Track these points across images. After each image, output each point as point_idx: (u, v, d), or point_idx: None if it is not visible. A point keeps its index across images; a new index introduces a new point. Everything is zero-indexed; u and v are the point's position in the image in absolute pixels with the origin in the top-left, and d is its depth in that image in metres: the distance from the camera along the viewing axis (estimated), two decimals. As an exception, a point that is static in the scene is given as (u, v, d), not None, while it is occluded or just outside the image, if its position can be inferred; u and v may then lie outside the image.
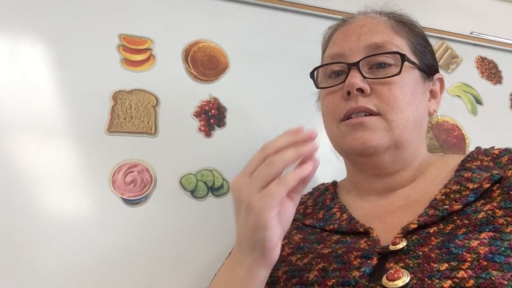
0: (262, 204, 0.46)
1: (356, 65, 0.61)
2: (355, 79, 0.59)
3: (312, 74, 0.69)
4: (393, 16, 0.67)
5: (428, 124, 0.68)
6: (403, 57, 0.60)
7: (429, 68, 0.65)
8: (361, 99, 0.60)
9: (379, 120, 0.59)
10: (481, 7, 1.24)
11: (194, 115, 0.88)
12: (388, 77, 0.59)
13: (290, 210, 0.50)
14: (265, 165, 0.47)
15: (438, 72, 0.68)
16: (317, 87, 0.69)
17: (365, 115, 0.59)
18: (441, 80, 0.68)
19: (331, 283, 0.50)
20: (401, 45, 0.63)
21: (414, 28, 0.67)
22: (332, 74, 0.66)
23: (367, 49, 0.62)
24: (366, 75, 0.60)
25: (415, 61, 0.63)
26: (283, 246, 0.61)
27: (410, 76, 0.61)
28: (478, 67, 1.18)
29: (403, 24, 0.66)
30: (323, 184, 0.76)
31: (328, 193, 0.69)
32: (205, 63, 0.92)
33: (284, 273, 0.57)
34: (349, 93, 0.60)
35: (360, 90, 0.60)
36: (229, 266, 0.55)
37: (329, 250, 0.56)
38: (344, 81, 0.61)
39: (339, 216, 0.62)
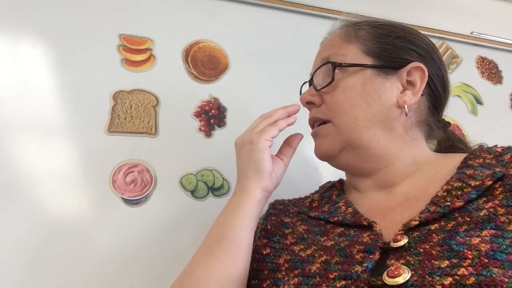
0: (261, 136, 0.64)
1: (310, 81, 0.72)
2: (304, 95, 0.69)
3: (300, 92, 0.77)
4: (350, 25, 0.69)
5: (416, 118, 0.66)
6: (333, 65, 0.64)
7: (393, 63, 0.64)
8: (314, 110, 0.68)
9: (329, 126, 0.66)
10: (481, 7, 1.25)
11: (194, 115, 0.88)
12: (325, 86, 0.65)
13: (281, 166, 0.69)
14: (263, 118, 0.68)
15: (414, 61, 0.65)
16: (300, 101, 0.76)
17: (319, 124, 0.67)
18: (418, 68, 0.64)
19: (333, 276, 0.50)
20: (349, 51, 0.65)
21: (373, 30, 0.67)
22: None
23: (320, 64, 0.68)
24: (319, 88, 0.67)
25: (367, 61, 0.64)
26: (286, 235, 0.63)
27: (355, 78, 0.64)
28: (478, 67, 1.18)
29: (359, 30, 0.67)
30: (329, 182, 0.77)
31: (335, 189, 0.71)
32: (205, 63, 0.92)
33: (286, 261, 0.58)
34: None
35: (311, 103, 0.68)
36: (229, 200, 0.65)
37: (332, 242, 0.56)
38: None
39: (344, 209, 0.63)
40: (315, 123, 0.69)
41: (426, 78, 0.64)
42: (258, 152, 0.63)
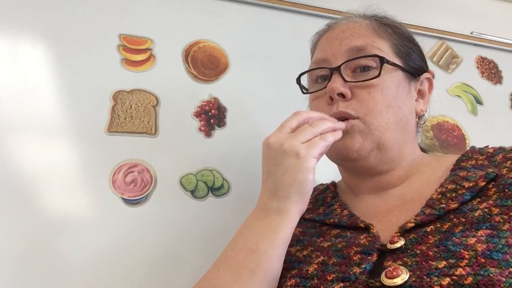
0: (309, 151, 0.54)
1: (337, 69, 0.62)
2: (336, 84, 0.61)
3: (298, 80, 0.70)
4: (376, 19, 0.67)
5: (419, 124, 0.68)
6: (382, 60, 0.61)
7: (414, 69, 0.66)
8: (342, 104, 0.61)
9: (358, 123, 0.60)
10: (481, 7, 1.25)
11: (194, 115, 0.88)
12: (367, 80, 0.61)
13: None
14: (309, 125, 0.57)
15: (426, 72, 0.68)
16: (303, 92, 0.71)
17: (344, 120, 0.61)
18: (429, 80, 0.68)
19: (330, 277, 0.50)
20: (383, 47, 0.63)
21: (397, 29, 0.67)
22: (318, 79, 0.68)
23: (348, 53, 0.63)
24: (348, 79, 0.61)
25: (398, 62, 0.63)
26: None
27: (392, 78, 0.62)
28: (478, 67, 1.18)
29: (386, 26, 0.66)
30: (322, 184, 0.76)
31: (328, 191, 0.70)
32: (205, 63, 0.92)
33: (283, 262, 0.57)
34: (332, 97, 0.62)
35: (341, 95, 0.61)
36: (258, 215, 0.57)
37: (329, 243, 0.56)
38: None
39: (340, 212, 0.63)
40: (339, 118, 0.62)
41: (432, 90, 0.66)
42: (305, 171, 0.54)
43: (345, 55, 0.63)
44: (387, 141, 0.61)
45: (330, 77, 0.63)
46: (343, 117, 0.61)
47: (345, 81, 0.61)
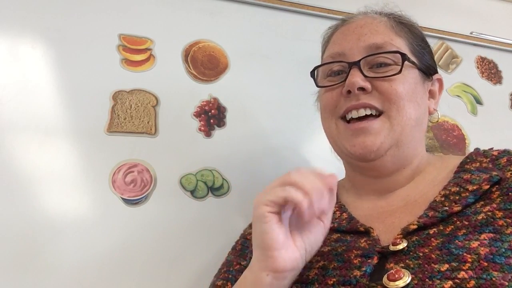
0: (261, 197, 0.49)
1: (357, 64, 0.61)
2: (356, 78, 0.60)
3: (312, 73, 0.69)
4: (393, 17, 0.67)
5: (428, 123, 0.68)
6: (404, 56, 0.60)
7: (428, 69, 0.66)
8: (363, 96, 0.60)
9: (382, 120, 0.59)
10: (481, 7, 1.24)
11: (194, 115, 0.88)
12: (389, 76, 0.60)
13: (318, 229, 0.51)
14: (282, 188, 0.48)
15: (437, 72, 0.69)
16: (317, 86, 0.69)
17: (366, 115, 0.60)
18: (439, 81, 0.69)
19: (331, 282, 0.49)
20: (401, 45, 0.63)
21: (413, 29, 0.68)
22: (331, 73, 0.66)
23: (367, 49, 0.62)
24: (366, 74, 0.60)
25: (415, 61, 0.64)
26: None
27: (411, 75, 0.62)
28: (478, 67, 1.18)
29: (403, 25, 0.66)
30: None
31: None
32: (205, 63, 0.92)
33: None
34: (349, 91, 0.61)
35: (361, 89, 0.60)
36: (244, 272, 0.55)
37: (329, 248, 0.55)
38: (345, 80, 0.61)
39: (339, 215, 0.62)
40: (360, 110, 0.60)
41: (442, 91, 0.66)
42: (257, 221, 0.49)
43: (363, 51, 0.62)
44: (405, 137, 0.60)
45: (349, 72, 0.61)
46: (367, 107, 0.60)
47: (365, 76, 0.60)
